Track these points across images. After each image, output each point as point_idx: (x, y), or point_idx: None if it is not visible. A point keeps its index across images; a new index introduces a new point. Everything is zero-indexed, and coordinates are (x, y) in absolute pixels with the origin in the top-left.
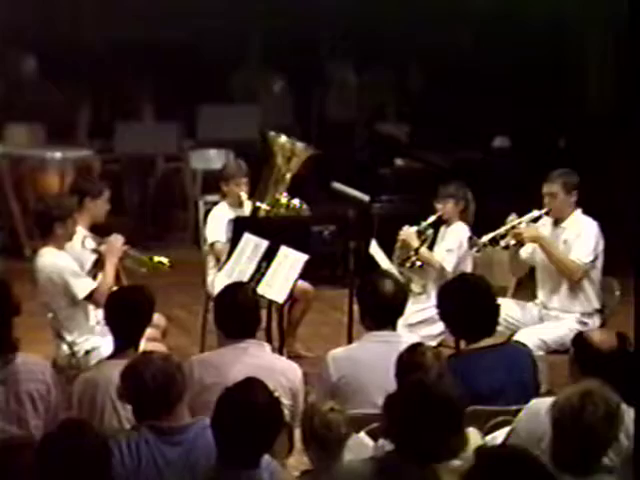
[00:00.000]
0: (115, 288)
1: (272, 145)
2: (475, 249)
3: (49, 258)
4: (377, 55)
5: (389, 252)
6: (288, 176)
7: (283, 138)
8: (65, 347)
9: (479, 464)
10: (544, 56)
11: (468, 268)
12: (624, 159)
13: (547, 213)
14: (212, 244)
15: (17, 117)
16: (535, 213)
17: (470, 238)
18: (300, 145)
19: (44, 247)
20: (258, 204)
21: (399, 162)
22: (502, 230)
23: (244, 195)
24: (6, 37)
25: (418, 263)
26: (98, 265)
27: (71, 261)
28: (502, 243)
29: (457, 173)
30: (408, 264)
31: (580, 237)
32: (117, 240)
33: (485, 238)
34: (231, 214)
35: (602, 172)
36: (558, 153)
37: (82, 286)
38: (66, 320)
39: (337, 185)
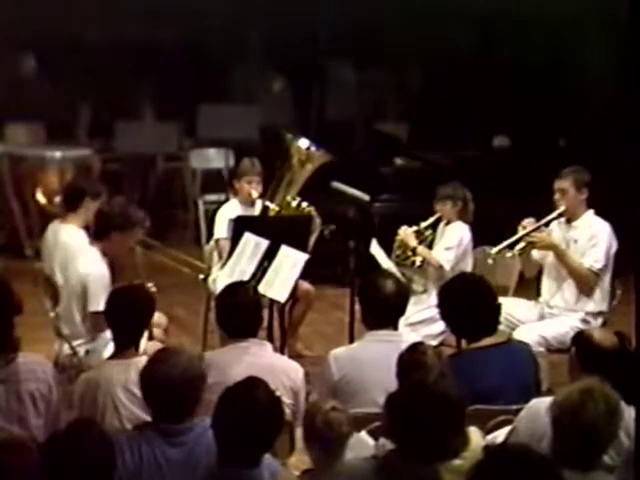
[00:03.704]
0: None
1: (289, 147)
2: (489, 261)
3: (90, 262)
4: (377, 54)
5: (389, 251)
6: (301, 180)
7: (301, 142)
8: (66, 346)
9: (487, 461)
10: (544, 56)
11: (468, 267)
12: (624, 159)
13: (561, 214)
14: (217, 240)
15: (17, 116)
16: (553, 215)
17: (483, 251)
18: (317, 150)
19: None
20: (267, 204)
21: (399, 161)
22: (515, 238)
23: (255, 194)
24: (6, 36)
25: (417, 263)
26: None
27: (107, 273)
28: (515, 250)
29: (457, 172)
30: (407, 263)
31: (593, 242)
32: None
33: (496, 249)
34: (241, 212)
35: (602, 172)
36: (558, 153)
37: (99, 302)
38: (68, 317)
39: (337, 184)
